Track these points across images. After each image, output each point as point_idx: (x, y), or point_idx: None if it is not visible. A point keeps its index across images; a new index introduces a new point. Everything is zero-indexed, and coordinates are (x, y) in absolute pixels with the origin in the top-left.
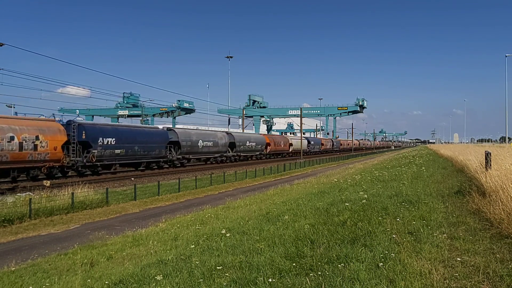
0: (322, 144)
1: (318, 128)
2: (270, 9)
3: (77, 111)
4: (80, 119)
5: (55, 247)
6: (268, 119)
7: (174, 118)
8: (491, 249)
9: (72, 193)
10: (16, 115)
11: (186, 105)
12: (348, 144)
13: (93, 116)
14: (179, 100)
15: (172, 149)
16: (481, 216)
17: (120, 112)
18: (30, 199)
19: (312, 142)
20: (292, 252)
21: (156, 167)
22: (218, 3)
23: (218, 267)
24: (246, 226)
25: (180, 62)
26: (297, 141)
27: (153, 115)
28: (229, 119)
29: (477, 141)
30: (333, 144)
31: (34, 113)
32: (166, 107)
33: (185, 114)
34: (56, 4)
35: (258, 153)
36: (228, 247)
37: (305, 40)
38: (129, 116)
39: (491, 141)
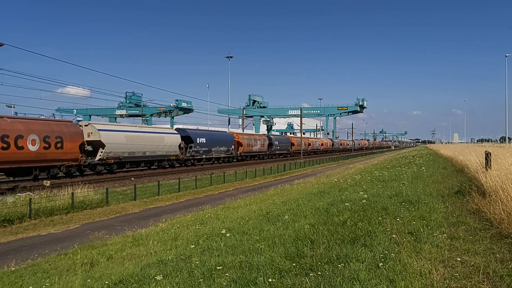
0: (240, 145)
1: (318, 128)
2: (270, 9)
3: (75, 110)
4: (80, 118)
5: (55, 247)
6: (268, 119)
7: (172, 118)
8: (491, 249)
9: (72, 193)
10: (16, 115)
11: (184, 104)
12: (310, 145)
13: (90, 116)
14: (177, 100)
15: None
16: (481, 216)
17: (118, 112)
18: (30, 199)
19: (201, 141)
20: (292, 252)
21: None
22: (218, 3)
23: (218, 267)
24: (246, 226)
25: (180, 62)
26: (145, 138)
27: (151, 115)
28: (229, 119)
29: (477, 141)
30: (270, 145)
31: (34, 113)
32: (164, 107)
33: (183, 114)
34: (56, 4)
35: None
36: (228, 247)
37: (305, 40)
38: (127, 116)
39: (491, 141)
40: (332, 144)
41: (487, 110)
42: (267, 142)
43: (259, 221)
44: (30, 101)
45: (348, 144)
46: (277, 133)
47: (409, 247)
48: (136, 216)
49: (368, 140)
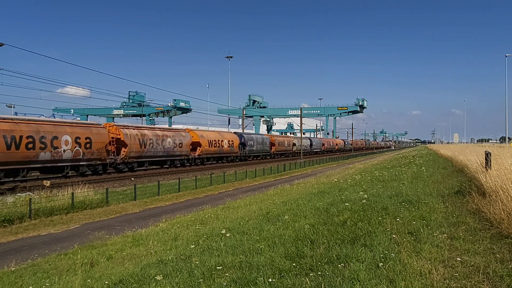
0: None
1: (318, 128)
2: (270, 9)
3: (72, 110)
4: (79, 118)
5: (55, 247)
6: (268, 119)
7: (171, 117)
8: (491, 249)
9: (72, 193)
10: (16, 115)
11: (182, 104)
12: (199, 148)
13: (87, 116)
14: (175, 100)
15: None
16: (481, 216)
17: (116, 112)
18: (30, 199)
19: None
20: (292, 252)
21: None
22: (218, 3)
23: (218, 267)
24: (246, 226)
25: (180, 62)
26: None
27: (149, 115)
28: (229, 119)
29: (477, 141)
30: (294, 145)
31: (34, 113)
32: (162, 107)
33: (182, 113)
34: (56, 4)
35: None
36: (228, 247)
37: (305, 40)
38: (125, 115)
39: (491, 141)
40: (240, 145)
41: (487, 110)
42: (292, 142)
43: (259, 221)
44: (30, 101)
45: (295, 145)
46: (277, 133)
47: (409, 247)
48: (136, 216)
49: (345, 140)
